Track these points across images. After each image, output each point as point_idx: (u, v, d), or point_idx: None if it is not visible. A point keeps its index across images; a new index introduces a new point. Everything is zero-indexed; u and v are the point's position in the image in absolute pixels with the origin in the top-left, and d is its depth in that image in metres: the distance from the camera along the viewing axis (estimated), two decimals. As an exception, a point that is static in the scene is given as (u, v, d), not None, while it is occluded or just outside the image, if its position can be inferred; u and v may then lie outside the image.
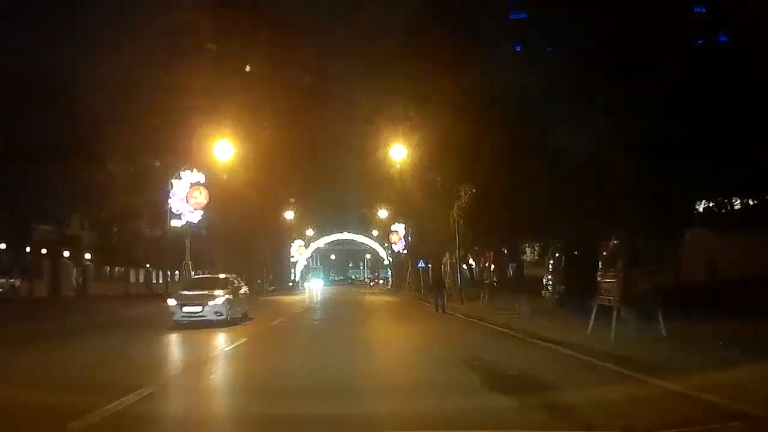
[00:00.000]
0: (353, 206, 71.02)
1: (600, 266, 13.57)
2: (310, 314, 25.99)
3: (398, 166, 31.31)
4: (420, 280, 45.29)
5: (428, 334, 16.67)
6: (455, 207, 25.53)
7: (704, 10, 12.98)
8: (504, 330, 15.44)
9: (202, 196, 30.59)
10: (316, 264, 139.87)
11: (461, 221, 25.87)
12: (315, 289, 78.52)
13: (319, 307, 31.83)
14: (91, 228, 44.32)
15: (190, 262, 33.57)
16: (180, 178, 30.76)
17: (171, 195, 30.70)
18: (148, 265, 49.40)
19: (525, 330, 14.30)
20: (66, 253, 40.82)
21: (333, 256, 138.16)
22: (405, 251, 54.61)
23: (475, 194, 23.46)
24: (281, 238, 60.50)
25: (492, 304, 23.56)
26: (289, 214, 56.32)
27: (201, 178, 30.98)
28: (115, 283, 44.98)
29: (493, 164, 18.32)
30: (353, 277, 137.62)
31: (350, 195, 66.20)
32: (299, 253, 77.71)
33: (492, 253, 33.71)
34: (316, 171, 56.72)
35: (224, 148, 31.64)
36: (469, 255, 42.13)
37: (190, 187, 30.68)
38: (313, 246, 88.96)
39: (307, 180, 54.94)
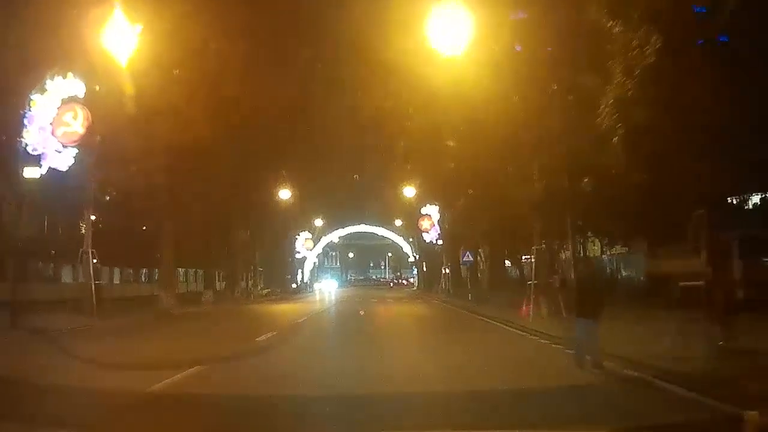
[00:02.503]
0: (371, 189, 56.70)
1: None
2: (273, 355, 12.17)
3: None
4: (467, 281, 30.73)
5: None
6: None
7: None
8: None
9: (77, 123, 16.74)
10: (333, 263, 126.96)
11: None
12: (326, 291, 64.45)
13: (306, 330, 17.49)
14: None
15: (92, 251, 19.88)
16: (45, 91, 16.74)
17: (28, 122, 16.71)
18: None
19: None
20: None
21: (351, 254, 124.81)
22: (438, 241, 40.05)
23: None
24: (274, 225, 46.39)
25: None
26: (284, 194, 42.10)
27: (79, 89, 16.99)
28: None
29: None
30: (374, 277, 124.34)
31: (367, 174, 51.87)
32: (306, 247, 63.47)
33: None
34: (318, 143, 42.91)
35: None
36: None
37: (60, 108, 16.67)
38: (325, 240, 74.77)
39: (308, 153, 41.06)
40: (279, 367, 9.52)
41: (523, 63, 14.41)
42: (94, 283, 20.42)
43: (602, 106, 10.62)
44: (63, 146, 17.00)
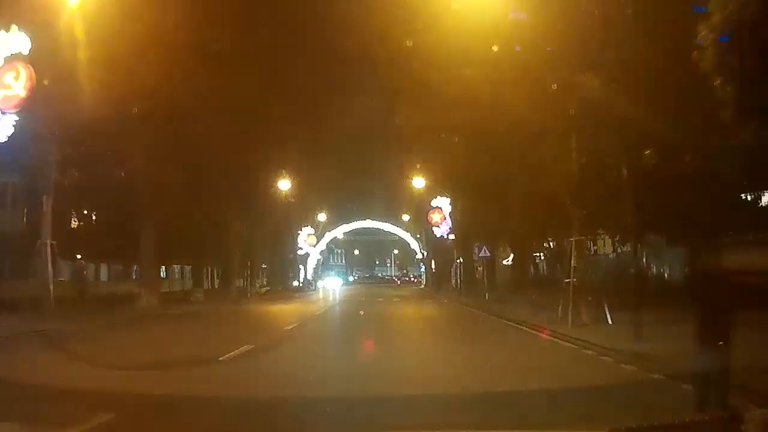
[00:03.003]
0: (377, 181, 53.75)
1: None
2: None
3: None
4: (483, 278, 27.64)
5: None
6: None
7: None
8: None
9: (18, 84, 13.72)
10: (338, 260, 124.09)
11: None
12: (330, 290, 61.50)
13: (292, 342, 14.29)
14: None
15: (51, 243, 17.11)
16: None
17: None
18: None
19: None
20: None
21: (356, 251, 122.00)
22: (450, 236, 36.94)
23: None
24: (275, 219, 43.40)
25: None
26: (284, 184, 39.10)
27: (23, 44, 13.97)
28: None
29: None
30: (379, 274, 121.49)
31: (373, 165, 48.96)
32: (308, 243, 60.42)
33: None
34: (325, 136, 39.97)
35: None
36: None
37: (2, 67, 13.72)
38: (329, 236, 71.78)
39: (310, 141, 38.15)
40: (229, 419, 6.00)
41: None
42: (70, 281, 17.51)
43: (702, 32, 7.47)
44: (2, 112, 14.01)
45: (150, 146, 23.06)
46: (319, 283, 72.22)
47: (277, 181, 38.85)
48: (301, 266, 64.77)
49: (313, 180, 48.75)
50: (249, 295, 38.05)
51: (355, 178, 54.16)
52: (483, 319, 18.74)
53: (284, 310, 25.70)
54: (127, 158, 22.51)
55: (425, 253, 62.28)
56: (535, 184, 18.40)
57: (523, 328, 14.79)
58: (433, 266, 55.73)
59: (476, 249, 26.93)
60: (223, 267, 37.03)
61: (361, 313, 22.60)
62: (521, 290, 25.20)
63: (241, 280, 39.09)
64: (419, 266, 76.68)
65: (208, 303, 29.55)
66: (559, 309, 15.13)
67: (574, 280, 15.02)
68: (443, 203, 37.45)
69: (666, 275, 25.91)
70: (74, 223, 30.55)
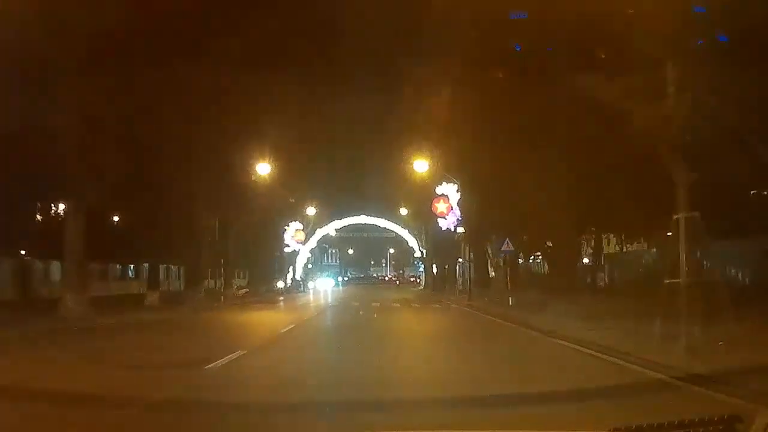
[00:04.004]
0: (373, 169, 48.12)
1: None
2: None
3: None
4: (506, 278, 22.07)
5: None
6: None
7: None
8: None
9: None
10: (332, 260, 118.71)
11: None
12: (321, 291, 56.01)
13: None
14: None
15: None
16: None
17: None
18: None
19: None
20: None
21: (351, 251, 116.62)
22: (457, 228, 31.39)
23: None
24: (256, 212, 37.79)
25: None
26: (264, 169, 33.43)
27: None
28: None
29: None
30: (375, 275, 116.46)
31: (369, 150, 43.41)
32: (296, 240, 54.56)
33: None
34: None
35: None
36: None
37: None
38: (320, 233, 66.06)
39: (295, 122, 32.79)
40: None
41: None
42: None
43: None
44: None
45: (83, 107, 17.65)
46: (310, 284, 66.54)
47: (257, 166, 33.13)
48: (289, 266, 59.05)
49: (301, 168, 43.18)
50: (223, 298, 32.42)
51: (348, 165, 48.60)
52: (529, 339, 13.07)
53: (256, 320, 20.14)
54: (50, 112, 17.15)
55: (424, 251, 56.63)
56: (600, 145, 12.85)
57: (608, 358, 9.17)
58: (434, 268, 50.10)
59: (496, 243, 21.43)
60: (189, 266, 31.31)
61: (351, 326, 17.09)
62: (553, 294, 19.69)
63: (214, 280, 33.45)
64: (418, 265, 71.12)
65: (163, 309, 23.89)
66: (657, 325, 9.64)
67: (688, 280, 9.51)
68: (450, 191, 31.88)
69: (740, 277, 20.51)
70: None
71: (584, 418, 5.21)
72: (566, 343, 11.01)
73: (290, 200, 37.18)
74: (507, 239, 21.73)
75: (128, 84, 17.96)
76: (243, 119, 28.19)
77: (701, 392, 6.42)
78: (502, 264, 23.52)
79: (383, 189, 53.03)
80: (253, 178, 34.03)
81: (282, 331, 15.05)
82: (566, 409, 5.76)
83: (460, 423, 5.23)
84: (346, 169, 49.83)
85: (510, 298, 21.19)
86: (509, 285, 21.57)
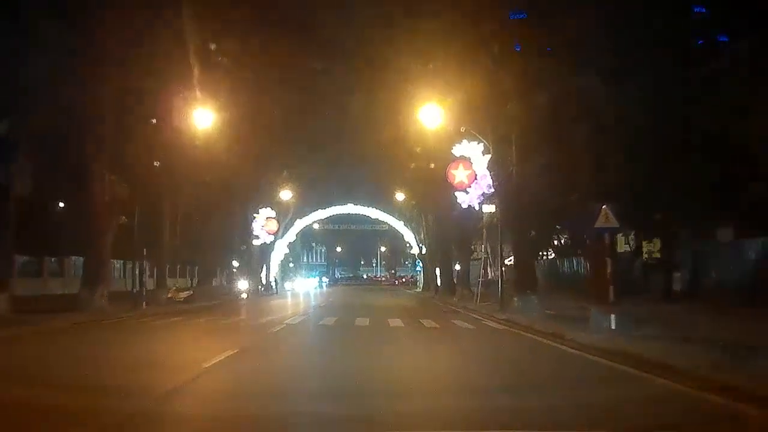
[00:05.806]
0: (362, 152, 37.76)
1: None
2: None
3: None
4: (607, 277, 11.85)
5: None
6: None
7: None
8: None
9: None
10: (319, 258, 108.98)
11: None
12: (299, 294, 45.85)
13: None
14: None
15: None
16: None
17: None
18: None
19: None
20: None
21: (339, 249, 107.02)
22: (485, 207, 21.44)
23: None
24: (208, 193, 27.62)
25: None
26: (206, 118, 23.17)
27: None
28: None
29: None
30: (365, 275, 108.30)
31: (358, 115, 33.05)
32: (268, 230, 44.11)
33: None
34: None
35: None
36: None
37: None
38: (300, 224, 55.82)
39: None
40: None
41: None
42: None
43: None
44: None
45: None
46: (287, 285, 56.31)
47: (199, 115, 22.95)
48: (263, 263, 48.59)
49: (272, 140, 33.10)
50: (145, 304, 22.21)
51: (332, 139, 38.28)
52: None
53: (125, 358, 9.93)
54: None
55: (423, 247, 46.42)
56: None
57: None
58: (437, 270, 39.87)
59: (597, 212, 11.50)
60: (90, 257, 21.04)
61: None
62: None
63: (133, 279, 23.25)
64: (416, 263, 61.00)
65: (12, 323, 13.70)
66: None
67: None
68: (474, 152, 21.90)
69: None
70: None
71: None
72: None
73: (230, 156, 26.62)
74: (605, 207, 11.77)
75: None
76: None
77: None
78: (593, 251, 13.63)
79: (375, 170, 42.98)
80: (197, 133, 23.91)
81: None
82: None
83: None
84: (329, 146, 39.56)
85: (612, 318, 11.30)
86: (611, 291, 11.54)
